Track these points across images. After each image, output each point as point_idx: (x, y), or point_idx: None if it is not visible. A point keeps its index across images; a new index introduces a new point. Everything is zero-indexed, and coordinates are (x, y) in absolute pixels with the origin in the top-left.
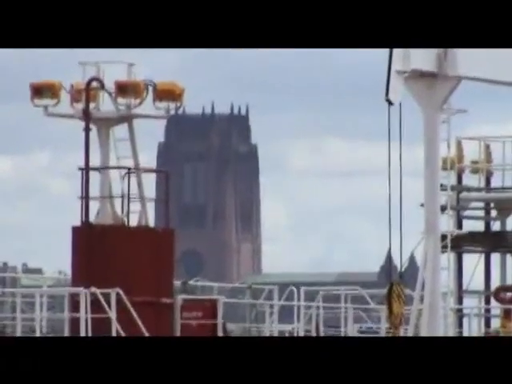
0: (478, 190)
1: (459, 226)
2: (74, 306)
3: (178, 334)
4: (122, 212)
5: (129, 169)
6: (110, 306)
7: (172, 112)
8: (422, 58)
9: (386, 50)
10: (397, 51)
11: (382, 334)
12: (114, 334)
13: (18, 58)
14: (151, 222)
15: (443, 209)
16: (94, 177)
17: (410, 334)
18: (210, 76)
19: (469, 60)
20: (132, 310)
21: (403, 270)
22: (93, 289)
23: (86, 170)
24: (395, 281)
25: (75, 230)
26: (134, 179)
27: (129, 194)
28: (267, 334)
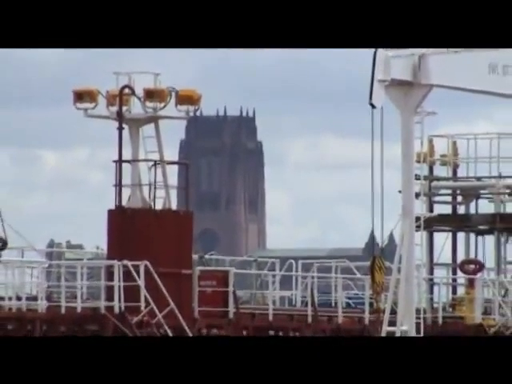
0: (446, 179)
1: (430, 209)
2: (109, 275)
3: (195, 300)
4: (150, 197)
5: (155, 161)
6: (139, 275)
7: (191, 114)
8: (400, 68)
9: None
10: (379, 62)
11: (366, 299)
12: (142, 300)
13: (60, 66)
14: (174, 206)
15: (417, 195)
16: (126, 168)
17: (389, 300)
18: (223, 84)
19: (440, 70)
20: (157, 279)
21: (384, 246)
22: (125, 261)
23: (119, 162)
24: (377, 255)
25: (110, 212)
26: (159, 170)
27: (155, 183)
28: (270, 300)
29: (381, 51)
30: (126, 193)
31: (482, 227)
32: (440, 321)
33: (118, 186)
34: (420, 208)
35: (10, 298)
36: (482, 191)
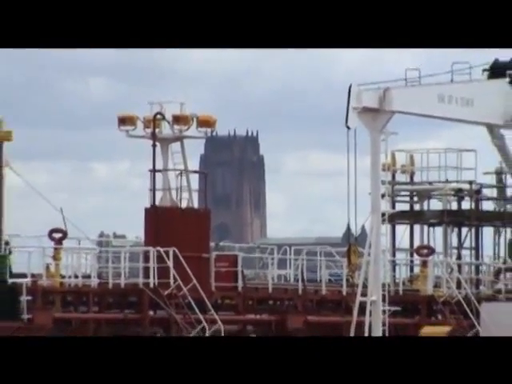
0: (405, 183)
1: (393, 207)
2: (146, 259)
3: (212, 277)
4: (177, 198)
5: (181, 171)
6: (168, 259)
7: (208, 134)
8: (369, 98)
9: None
10: (353, 94)
11: (344, 276)
12: (171, 277)
13: (106, 97)
14: (195, 205)
15: (383, 196)
16: (159, 176)
17: (362, 277)
18: (234, 110)
19: (399, 100)
20: (183, 261)
21: (357, 235)
22: (157, 248)
23: (153, 171)
24: (352, 242)
25: (146, 210)
26: (184, 178)
27: (181, 187)
28: (270, 277)
29: (354, 86)
30: (158, 195)
31: (432, 221)
32: (400, 292)
33: (152, 190)
34: (385, 206)
35: (69, 277)
36: (432, 193)
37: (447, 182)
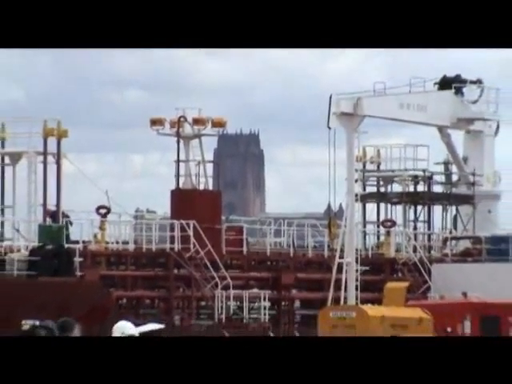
0: (373, 171)
1: (364, 189)
2: (172, 229)
3: (223, 243)
4: (196, 182)
5: (199, 161)
6: (189, 229)
7: (220, 133)
8: (346, 105)
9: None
10: (333, 101)
11: (325, 243)
12: (191, 243)
13: (142, 104)
14: (210, 187)
15: (356, 181)
16: (182, 166)
17: (339, 243)
18: (240, 113)
19: (369, 106)
20: (200, 231)
21: (336, 211)
22: (181, 221)
23: (178, 162)
24: (332, 216)
25: (172, 192)
26: (201, 167)
27: (199, 174)
28: (268, 244)
29: (334, 95)
30: (181, 180)
31: (394, 200)
32: (369, 256)
33: (177, 176)
34: (357, 189)
35: (112, 243)
36: (394, 178)
37: (406, 170)
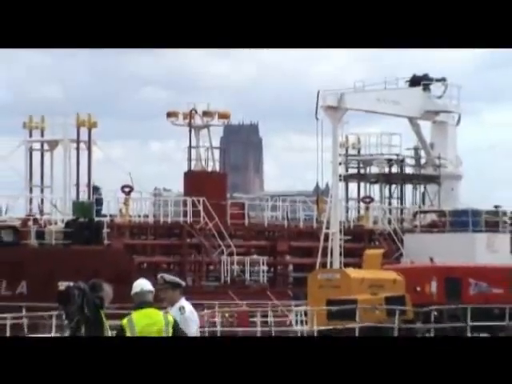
0: (354, 155)
1: (346, 171)
2: (184, 205)
3: (228, 216)
4: (205, 165)
5: (207, 147)
6: (199, 204)
7: (226, 123)
8: (331, 99)
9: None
10: (321, 96)
11: (314, 216)
12: (201, 216)
13: (160, 102)
14: (217, 169)
15: (340, 164)
16: (193, 151)
17: (326, 217)
18: (243, 107)
19: (351, 100)
20: (209, 206)
21: (323, 189)
22: (192, 197)
23: (189, 148)
24: (319, 194)
25: (185, 173)
26: (209, 152)
27: (207, 158)
28: (265, 217)
29: (322, 91)
30: (192, 163)
31: (372, 180)
32: (351, 227)
33: (189, 160)
34: (341, 170)
35: (134, 216)
36: (372, 162)
37: (382, 154)
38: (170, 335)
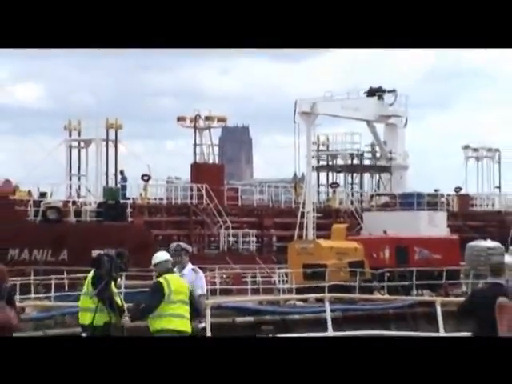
0: (324, 151)
1: (318, 163)
2: (191, 190)
3: (225, 199)
4: (208, 159)
5: (209, 145)
6: (202, 189)
7: (223, 125)
8: (306, 106)
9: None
10: (297, 104)
11: (293, 199)
12: (204, 198)
13: (174, 110)
14: (216, 162)
15: (313, 157)
16: (198, 148)
17: (302, 199)
18: (238, 112)
19: (321, 107)
20: (210, 191)
21: (300, 177)
22: (197, 184)
23: (195, 145)
24: (297, 181)
25: (192, 165)
26: (210, 148)
27: (209, 153)
28: (254, 199)
29: (299, 100)
30: (197, 157)
31: (338, 170)
32: (322, 206)
33: (194, 154)
34: (313, 162)
35: (151, 199)
36: (338, 155)
37: (345, 150)
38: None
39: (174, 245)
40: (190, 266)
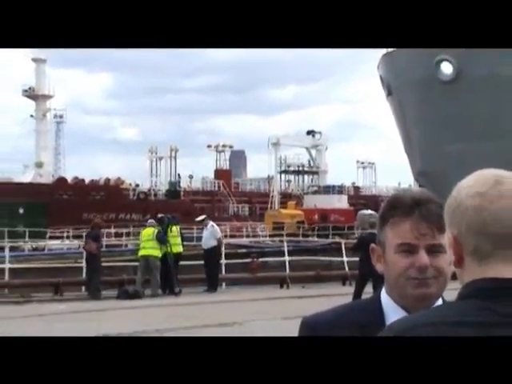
0: (283, 163)
1: (280, 169)
2: (214, 183)
3: (232, 188)
4: (223, 165)
5: (224, 159)
6: (220, 185)
7: (231, 149)
8: (273, 139)
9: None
10: (270, 138)
11: (268, 189)
12: (221, 189)
13: (185, 115)
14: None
15: (278, 166)
16: (218, 162)
17: (272, 187)
18: (237, 141)
19: (283, 140)
20: (225, 185)
21: (271, 177)
22: (218, 180)
23: (216, 160)
24: (270, 179)
25: (215, 170)
26: (224, 162)
27: (224, 164)
28: (247, 188)
29: (270, 136)
30: (218, 165)
31: (291, 173)
32: (282, 192)
33: (216, 164)
34: (277, 169)
35: (193, 188)
36: (291, 165)
37: (295, 163)
38: None
39: (202, 216)
40: (210, 223)
